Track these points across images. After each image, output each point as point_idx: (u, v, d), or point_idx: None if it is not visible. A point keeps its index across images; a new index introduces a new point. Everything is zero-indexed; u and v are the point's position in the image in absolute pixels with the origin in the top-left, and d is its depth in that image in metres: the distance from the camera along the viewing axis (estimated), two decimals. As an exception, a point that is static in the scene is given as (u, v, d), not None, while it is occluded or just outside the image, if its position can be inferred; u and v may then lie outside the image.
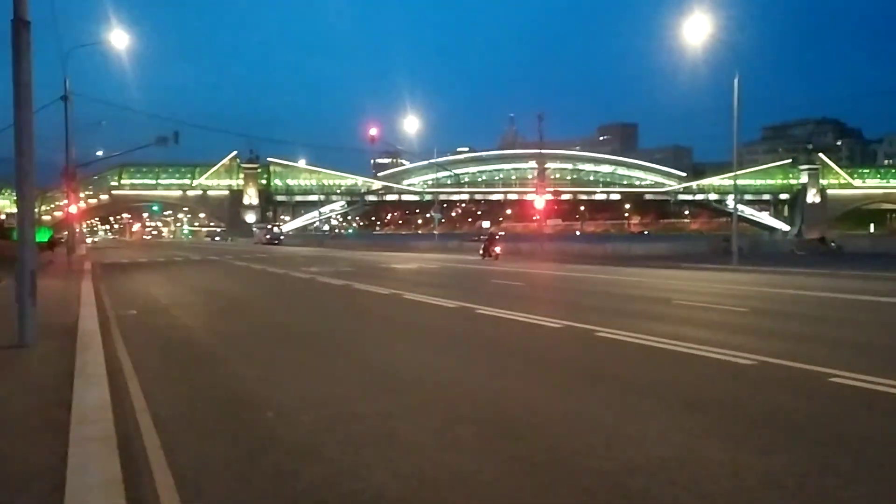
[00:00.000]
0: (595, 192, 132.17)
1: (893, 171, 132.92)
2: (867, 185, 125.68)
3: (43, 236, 40.36)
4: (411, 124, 52.07)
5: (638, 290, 16.36)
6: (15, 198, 9.84)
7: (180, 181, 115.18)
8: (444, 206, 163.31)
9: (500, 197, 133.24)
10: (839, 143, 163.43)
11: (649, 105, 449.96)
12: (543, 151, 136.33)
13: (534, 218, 55.51)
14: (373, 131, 45.69)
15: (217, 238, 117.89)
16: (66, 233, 38.53)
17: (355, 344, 8.94)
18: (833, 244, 34.67)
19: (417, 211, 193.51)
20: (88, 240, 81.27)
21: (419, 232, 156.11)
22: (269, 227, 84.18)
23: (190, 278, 22.85)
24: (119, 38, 29.62)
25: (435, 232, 55.80)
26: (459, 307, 12.43)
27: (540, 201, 40.17)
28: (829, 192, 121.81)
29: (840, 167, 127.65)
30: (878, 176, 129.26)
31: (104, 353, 7.70)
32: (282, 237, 77.56)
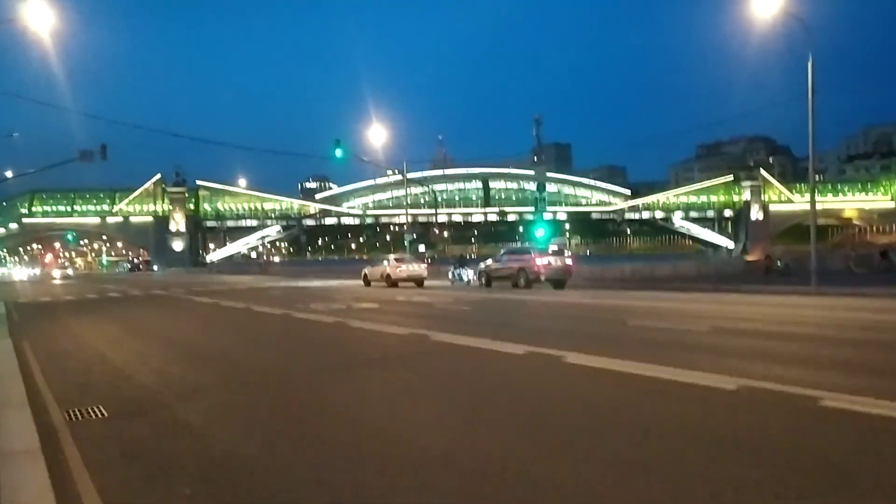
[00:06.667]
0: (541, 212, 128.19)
1: (829, 186, 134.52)
2: (807, 201, 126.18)
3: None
4: (378, 135, 46.18)
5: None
6: None
7: (98, 207, 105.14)
8: (378, 229, 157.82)
9: (444, 219, 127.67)
10: (771, 160, 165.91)
11: (581, 126, 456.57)
12: (489, 170, 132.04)
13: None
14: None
15: (135, 267, 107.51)
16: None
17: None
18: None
19: (350, 235, 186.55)
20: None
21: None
22: (135, 258, 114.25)
23: (154, 326, 16.16)
24: (39, 15, 22.82)
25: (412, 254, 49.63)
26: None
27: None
28: (770, 208, 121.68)
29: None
30: (817, 192, 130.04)
31: None
32: (142, 265, 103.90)
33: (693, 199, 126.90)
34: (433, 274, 40.38)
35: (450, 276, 35.46)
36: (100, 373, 9.09)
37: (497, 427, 5.59)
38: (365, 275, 33.80)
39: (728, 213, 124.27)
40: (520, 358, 8.98)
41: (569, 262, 27.30)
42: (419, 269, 31.70)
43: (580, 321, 14.42)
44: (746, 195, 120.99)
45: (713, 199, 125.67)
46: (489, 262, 29.98)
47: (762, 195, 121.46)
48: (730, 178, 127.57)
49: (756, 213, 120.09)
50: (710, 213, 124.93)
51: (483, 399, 6.67)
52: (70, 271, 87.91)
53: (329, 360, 9.89)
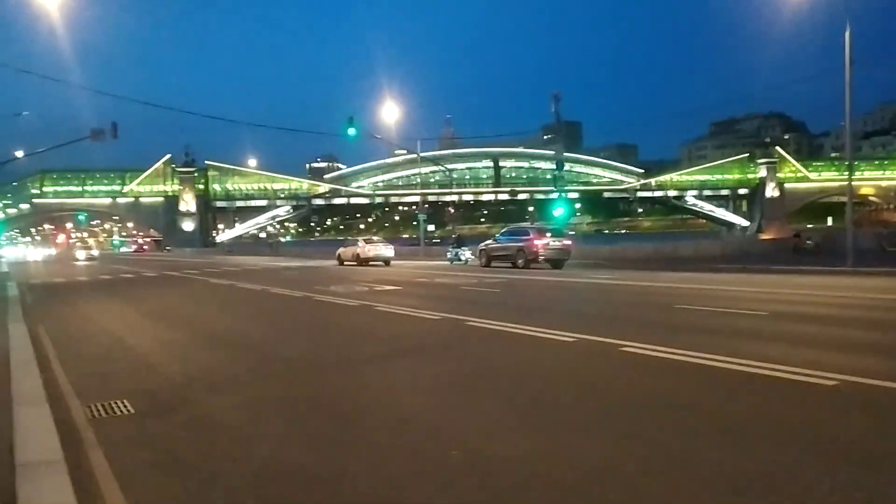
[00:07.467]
0: (552, 191, 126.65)
1: (847, 163, 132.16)
2: (823, 179, 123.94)
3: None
4: (390, 113, 45.40)
5: None
6: None
7: (109, 188, 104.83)
8: (387, 209, 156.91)
9: (455, 198, 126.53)
10: (786, 137, 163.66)
11: (591, 104, 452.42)
12: (499, 150, 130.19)
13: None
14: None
15: (140, 248, 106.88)
16: None
17: None
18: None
19: (358, 216, 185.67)
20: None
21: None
22: (139, 238, 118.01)
23: (172, 310, 15.52)
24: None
25: (424, 237, 49.27)
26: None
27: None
28: (786, 185, 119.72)
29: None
30: (833, 169, 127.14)
31: None
32: (147, 245, 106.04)
33: (707, 177, 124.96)
34: (437, 254, 40.09)
35: (448, 255, 35.57)
36: (121, 361, 8.50)
37: (576, 430, 4.92)
38: (339, 255, 36.31)
39: (743, 191, 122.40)
40: (572, 346, 8.31)
41: (567, 242, 27.27)
42: (386, 250, 34.61)
43: (622, 305, 13.72)
44: (762, 173, 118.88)
45: (727, 177, 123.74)
46: (489, 242, 29.91)
47: (777, 173, 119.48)
48: (745, 155, 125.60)
49: (772, 191, 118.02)
50: (725, 192, 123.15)
51: (548, 395, 6.01)
52: (95, 252, 78.30)
53: (363, 348, 9.24)
